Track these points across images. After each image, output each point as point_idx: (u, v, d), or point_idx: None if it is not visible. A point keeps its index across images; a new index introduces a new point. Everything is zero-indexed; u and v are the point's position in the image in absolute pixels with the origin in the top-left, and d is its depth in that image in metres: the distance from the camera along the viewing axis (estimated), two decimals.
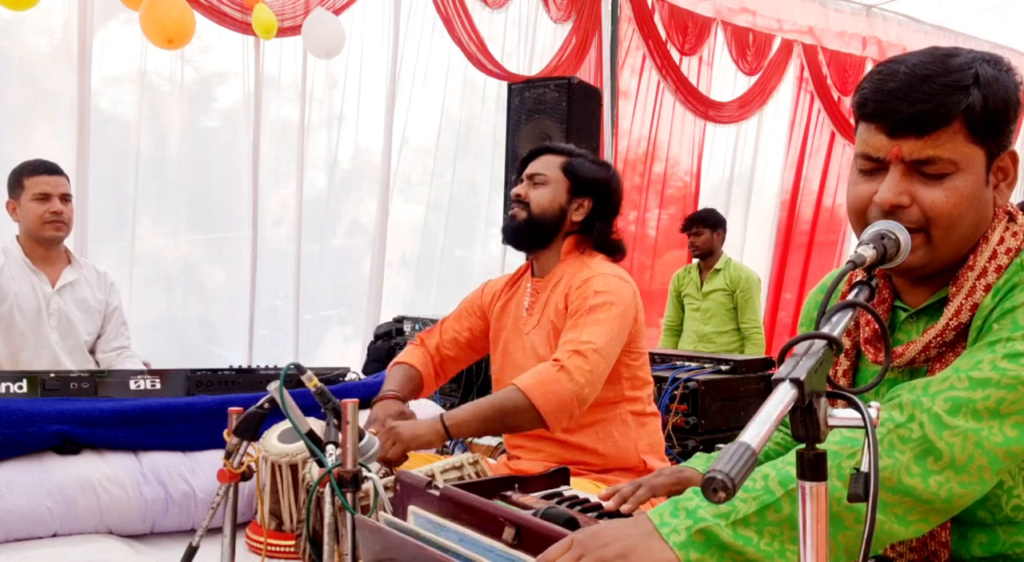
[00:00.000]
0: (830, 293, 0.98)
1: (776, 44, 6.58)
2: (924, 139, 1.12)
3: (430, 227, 5.39)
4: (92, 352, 3.08)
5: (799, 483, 0.80)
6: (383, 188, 5.02)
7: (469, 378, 3.85)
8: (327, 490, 1.34)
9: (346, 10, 4.61)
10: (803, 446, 0.81)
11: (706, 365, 3.47)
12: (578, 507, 1.34)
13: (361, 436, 1.41)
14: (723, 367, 3.44)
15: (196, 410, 2.01)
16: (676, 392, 3.23)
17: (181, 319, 4.58)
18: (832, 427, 0.83)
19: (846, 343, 1.31)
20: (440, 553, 1.12)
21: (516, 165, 2.39)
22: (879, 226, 1.12)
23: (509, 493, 1.37)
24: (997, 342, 1.09)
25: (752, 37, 6.44)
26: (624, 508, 1.40)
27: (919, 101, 1.11)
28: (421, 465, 1.64)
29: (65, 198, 2.96)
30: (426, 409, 2.46)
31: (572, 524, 1.19)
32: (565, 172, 2.18)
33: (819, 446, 0.81)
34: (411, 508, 1.31)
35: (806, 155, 6.94)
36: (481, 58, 5.11)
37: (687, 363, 3.54)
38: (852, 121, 1.24)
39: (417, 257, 5.38)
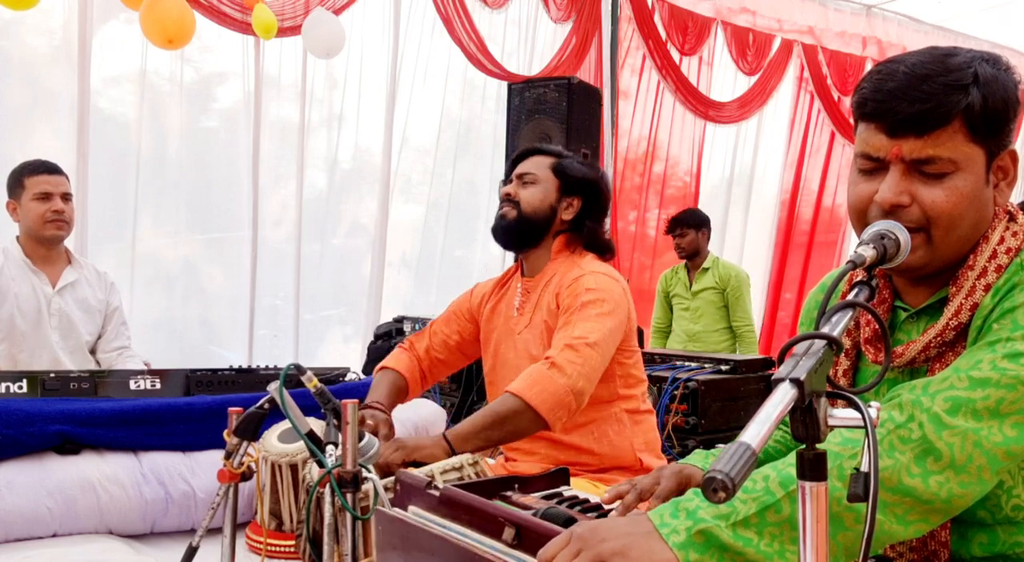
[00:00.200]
0: (830, 293, 0.98)
1: (776, 44, 6.59)
2: (924, 139, 1.12)
3: (430, 227, 5.39)
4: (92, 352, 3.08)
5: (799, 483, 0.80)
6: (383, 188, 5.03)
7: (469, 378, 3.85)
8: (327, 490, 1.34)
9: (346, 10, 4.61)
10: (803, 446, 0.81)
11: (706, 365, 3.48)
12: (578, 507, 1.34)
13: (361, 436, 1.41)
14: (723, 367, 3.44)
15: (196, 410, 2.01)
16: (676, 392, 3.23)
17: (181, 319, 4.58)
18: (832, 427, 0.83)
19: (846, 343, 1.31)
20: (465, 541, 1.12)
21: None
22: (879, 226, 1.12)
23: (509, 493, 1.37)
24: (997, 342, 1.09)
25: (752, 37, 6.44)
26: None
27: (919, 101, 1.11)
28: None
29: (66, 197, 2.96)
30: (427, 409, 2.46)
31: (572, 524, 1.18)
32: (555, 172, 2.19)
33: (819, 446, 0.80)
34: (411, 508, 1.31)
35: (806, 155, 6.94)
36: (481, 58, 5.11)
37: (687, 363, 3.55)
38: (852, 121, 1.24)
39: (417, 257, 5.38)
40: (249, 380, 2.36)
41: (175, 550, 1.61)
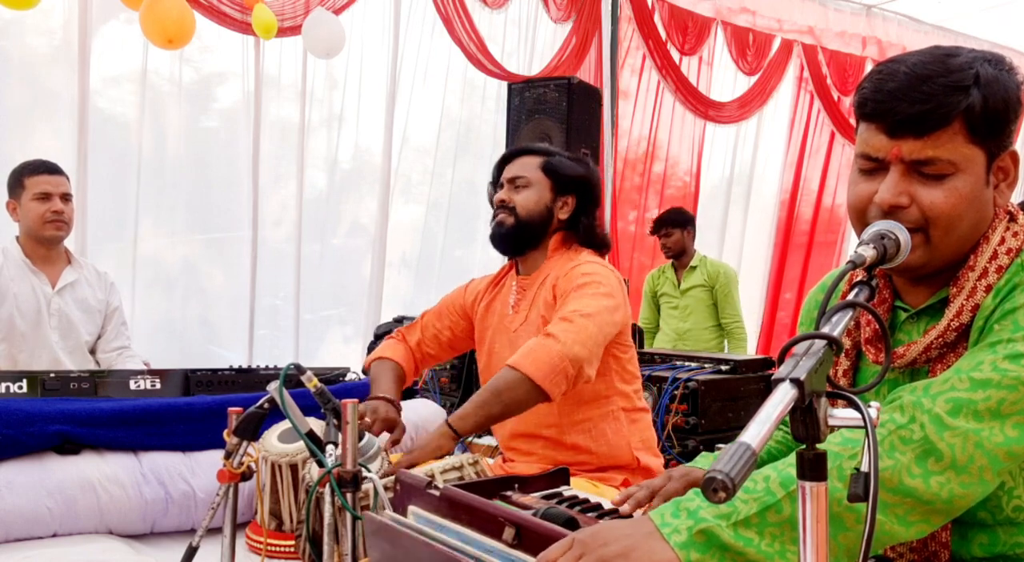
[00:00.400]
0: (830, 293, 0.98)
1: (776, 44, 6.59)
2: (924, 139, 1.12)
3: (430, 227, 5.39)
4: (92, 352, 3.08)
5: (799, 483, 0.80)
6: (383, 188, 5.02)
7: (469, 378, 3.84)
8: (327, 490, 1.34)
9: (346, 10, 4.61)
10: (803, 446, 0.81)
11: (706, 365, 3.47)
12: (578, 507, 1.34)
13: (361, 436, 1.41)
14: (723, 367, 3.44)
15: (196, 410, 2.01)
16: (676, 392, 3.23)
17: (181, 319, 4.58)
18: (832, 427, 0.83)
19: (846, 343, 1.31)
20: (451, 551, 1.12)
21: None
22: (879, 226, 1.12)
23: (509, 493, 1.37)
24: (998, 343, 1.09)
25: (752, 37, 6.44)
26: (622, 510, 1.39)
27: (919, 101, 1.11)
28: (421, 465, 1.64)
29: (66, 198, 2.96)
30: (427, 408, 2.46)
31: (572, 524, 1.18)
32: (546, 172, 2.18)
33: (819, 446, 0.80)
34: (411, 508, 1.31)
35: (806, 155, 6.94)
36: (481, 58, 5.11)
37: (687, 363, 3.54)
38: (852, 121, 1.24)
39: (417, 257, 5.37)
40: (249, 380, 2.36)
41: (175, 550, 1.61)
